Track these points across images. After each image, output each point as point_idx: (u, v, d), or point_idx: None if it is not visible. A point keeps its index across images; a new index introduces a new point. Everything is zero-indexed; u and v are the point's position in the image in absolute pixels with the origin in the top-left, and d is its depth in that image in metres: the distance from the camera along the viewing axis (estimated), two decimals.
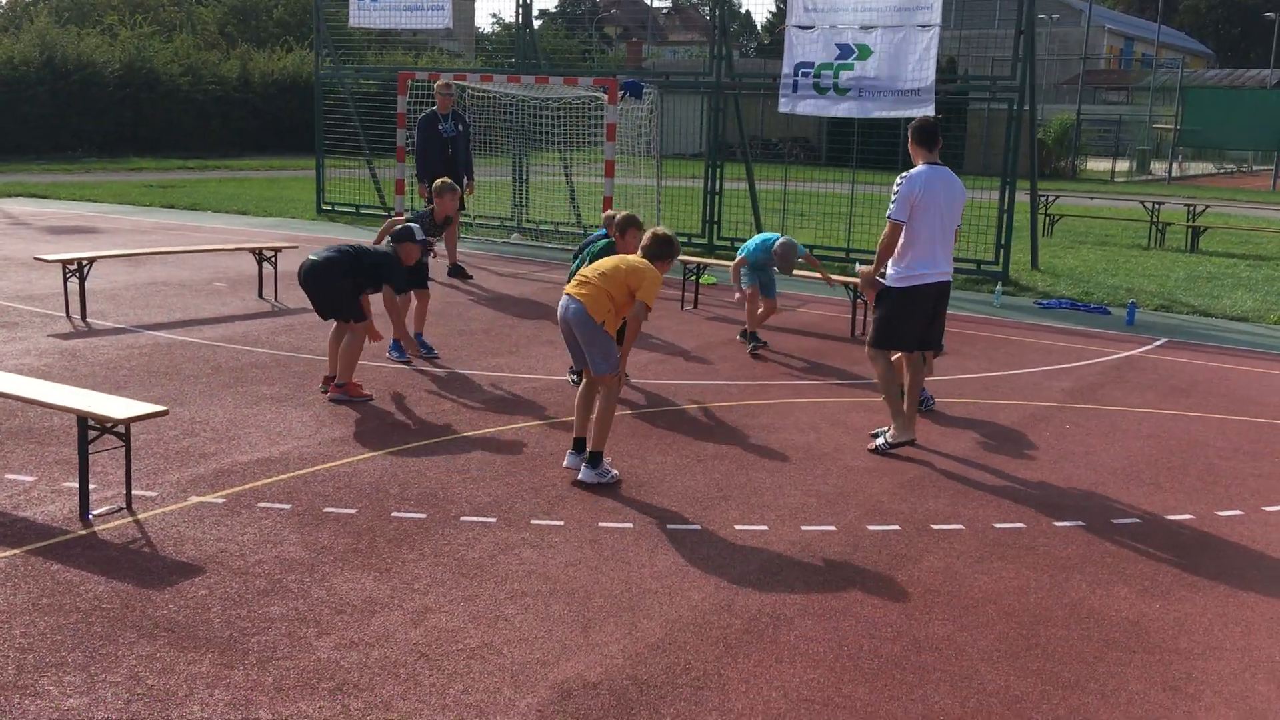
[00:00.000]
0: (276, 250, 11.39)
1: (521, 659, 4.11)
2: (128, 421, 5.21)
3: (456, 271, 12.94)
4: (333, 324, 7.59)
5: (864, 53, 14.04)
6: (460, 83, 16.07)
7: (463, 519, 5.46)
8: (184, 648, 4.07)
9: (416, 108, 15.28)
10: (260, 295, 11.15)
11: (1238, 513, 6.10)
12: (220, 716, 3.66)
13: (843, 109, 14.62)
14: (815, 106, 14.74)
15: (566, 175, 18.57)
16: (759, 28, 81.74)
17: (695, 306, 11.78)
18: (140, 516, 5.28)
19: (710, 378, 8.66)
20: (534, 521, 5.48)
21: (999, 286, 13.34)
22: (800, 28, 14.61)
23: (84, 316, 9.71)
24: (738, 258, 9.63)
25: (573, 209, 18.04)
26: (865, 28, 14.04)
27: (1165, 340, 11.03)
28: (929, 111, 13.74)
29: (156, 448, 6.27)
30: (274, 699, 3.77)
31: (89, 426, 5.22)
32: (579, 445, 6.23)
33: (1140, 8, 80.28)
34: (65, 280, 9.86)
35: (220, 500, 5.55)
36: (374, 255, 7.57)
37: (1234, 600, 4.94)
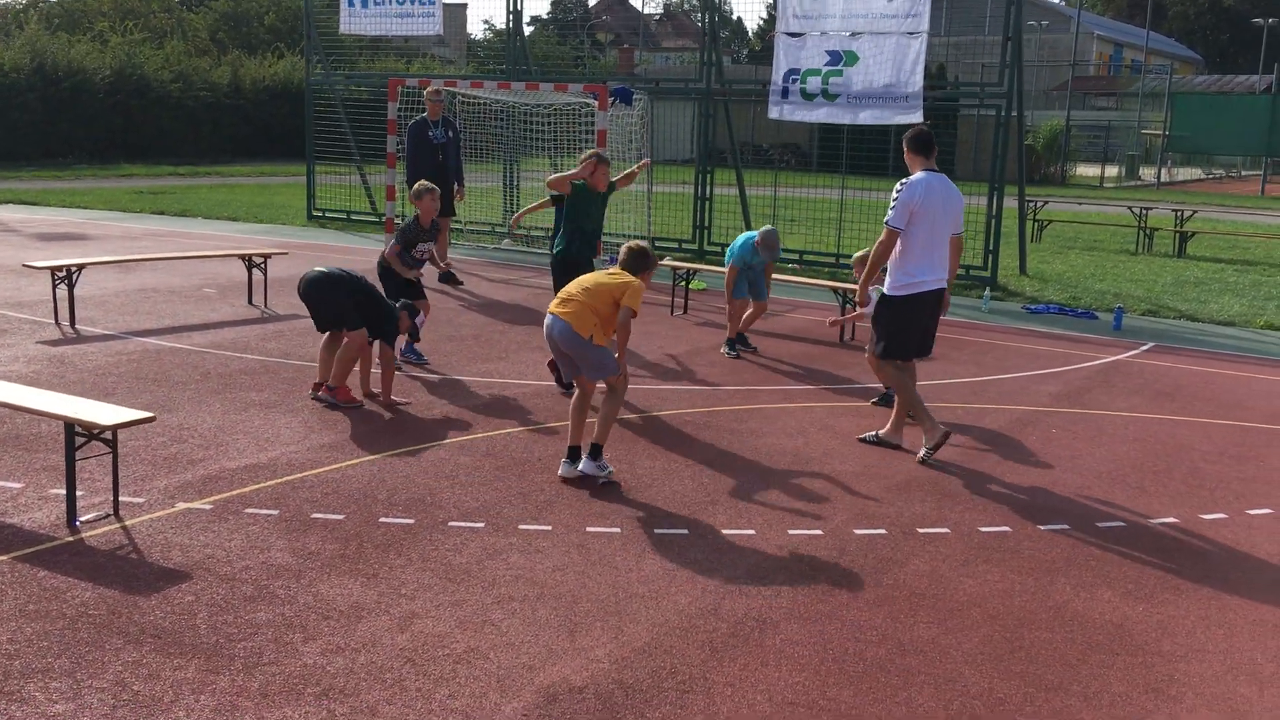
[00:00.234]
0: (266, 256, 11.39)
1: (508, 663, 4.13)
2: (115, 428, 5.22)
3: (447, 278, 12.94)
4: (325, 333, 7.63)
5: (851, 59, 14.10)
6: (451, 89, 16.10)
7: (451, 524, 5.47)
8: (170, 653, 4.08)
9: (407, 114, 15.29)
10: (250, 301, 11.15)
11: (1221, 516, 6.13)
12: None
13: (832, 115, 14.69)
14: (805, 113, 14.80)
15: None
16: (750, 34, 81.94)
17: (685, 312, 11.81)
18: (127, 523, 5.28)
19: (699, 382, 8.69)
20: (522, 526, 5.49)
21: (987, 291, 13.40)
22: (790, 35, 14.66)
23: (73, 323, 9.70)
24: (729, 267, 9.64)
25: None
26: (854, 35, 14.10)
27: (1152, 345, 11.09)
28: (918, 118, 13.81)
29: (144, 454, 6.27)
30: (260, 704, 3.78)
31: (76, 433, 5.22)
32: (573, 454, 6.26)
33: (1129, 14, 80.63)
34: (54, 287, 9.85)
35: (208, 506, 5.56)
36: (379, 301, 7.63)
37: (1217, 603, 4.98)
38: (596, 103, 14.28)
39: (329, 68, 19.78)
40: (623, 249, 6.55)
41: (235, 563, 4.90)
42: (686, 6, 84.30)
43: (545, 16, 76.93)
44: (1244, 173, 52.83)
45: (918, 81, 13.69)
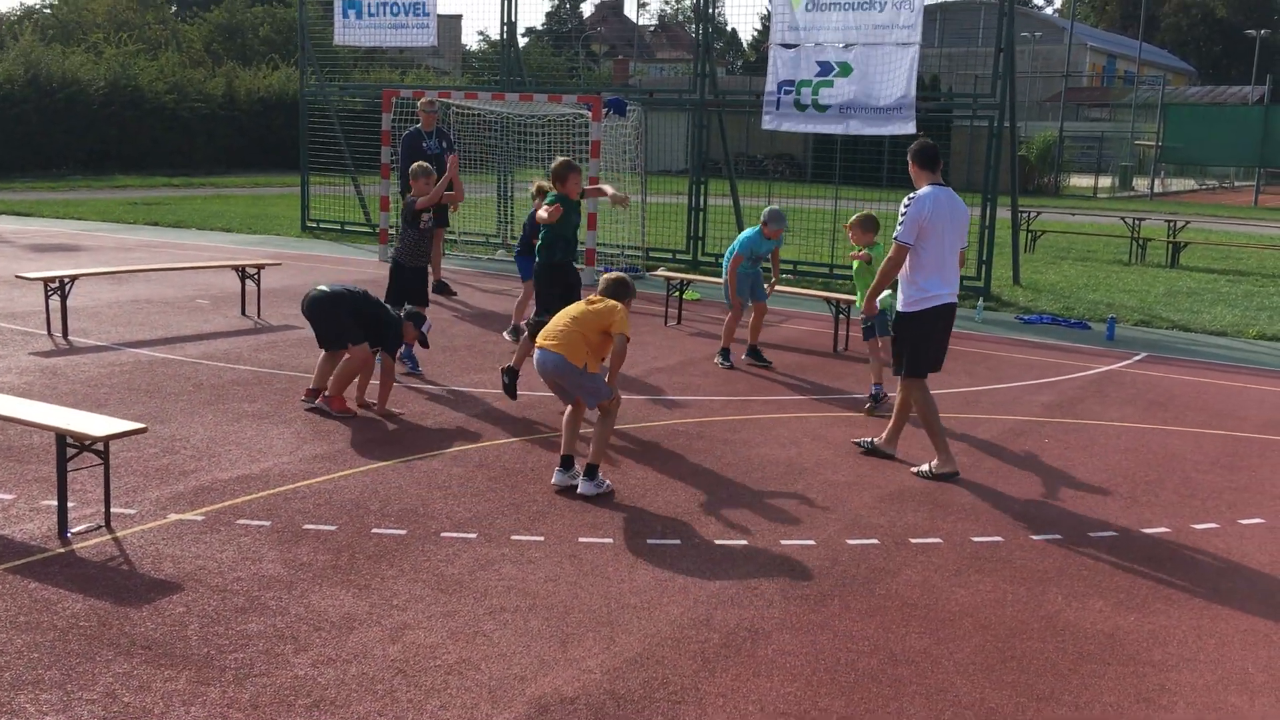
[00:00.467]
0: (259, 267, 11.39)
1: (499, 674, 4.12)
2: (106, 439, 5.22)
3: (441, 288, 12.96)
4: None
5: (845, 70, 14.15)
6: (445, 100, 16.13)
7: (443, 535, 5.47)
8: (161, 665, 4.07)
9: (401, 125, 15.32)
10: (243, 312, 11.14)
11: (1213, 526, 6.15)
12: None
13: (825, 126, 14.74)
14: (798, 124, 14.85)
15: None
16: (745, 45, 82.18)
17: (679, 323, 11.82)
18: (119, 534, 5.27)
19: (692, 393, 8.69)
20: (514, 537, 5.49)
21: (980, 302, 13.43)
22: (784, 46, 14.72)
23: (65, 334, 9.69)
24: (732, 258, 9.56)
25: None
26: (847, 46, 14.16)
27: (1145, 355, 11.11)
28: (910, 128, 13.86)
29: (136, 465, 6.26)
30: (250, 716, 3.77)
31: (68, 444, 5.22)
32: (566, 462, 6.27)
33: (1122, 25, 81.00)
34: (47, 298, 9.84)
35: (199, 517, 5.55)
36: (383, 315, 7.67)
37: (1208, 613, 4.98)
38: (590, 114, 14.31)
39: (323, 79, 19.80)
40: (603, 279, 6.58)
41: (227, 574, 4.90)
42: (681, 18, 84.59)
43: (540, 28, 77.05)
44: (1237, 183, 53.04)
45: (910, 92, 13.74)
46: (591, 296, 6.50)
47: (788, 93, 14.66)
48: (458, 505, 5.90)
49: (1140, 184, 47.00)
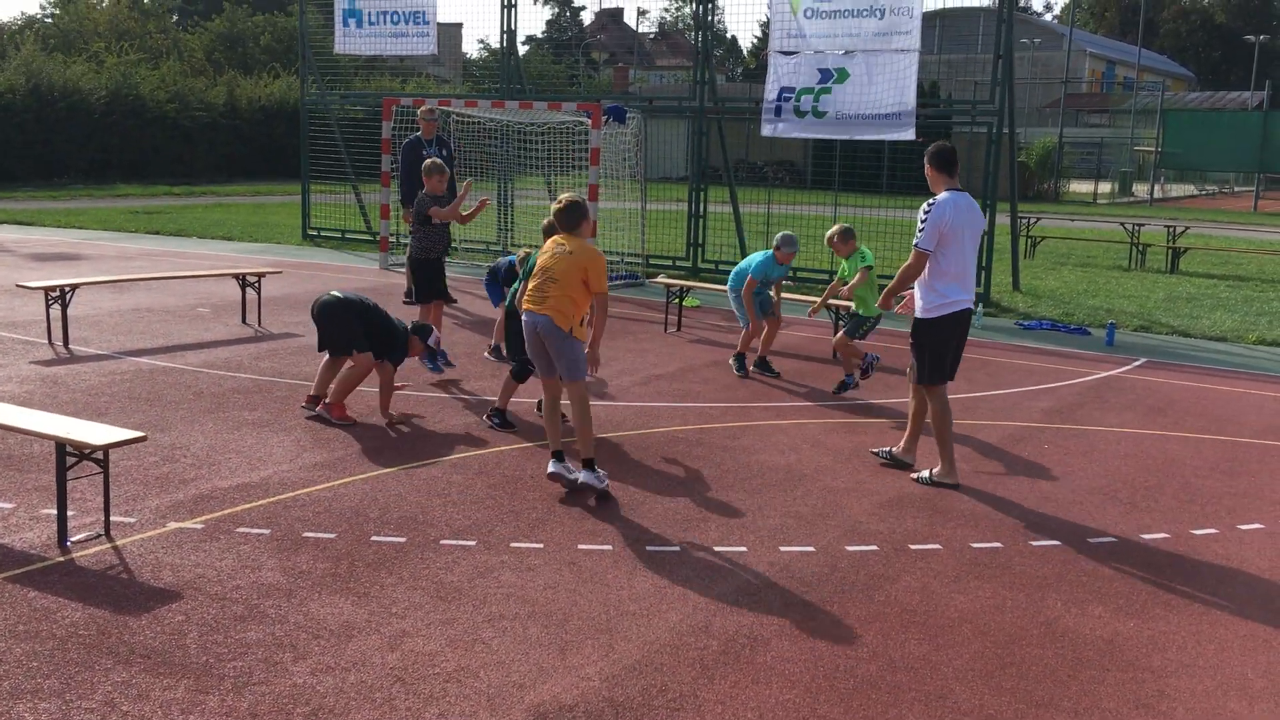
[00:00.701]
0: (260, 275, 11.40)
1: (498, 682, 4.13)
2: (106, 448, 5.22)
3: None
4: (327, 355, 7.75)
5: (843, 77, 14.18)
6: (445, 108, 16.16)
7: (442, 542, 5.47)
8: (160, 674, 4.08)
9: (402, 133, 15.35)
10: (244, 320, 11.16)
11: (1213, 531, 6.14)
12: None
13: (825, 132, 14.78)
14: (798, 130, 14.88)
15: (552, 199, 18.63)
16: (745, 53, 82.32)
17: (679, 330, 11.82)
18: (118, 543, 5.28)
19: (692, 400, 8.70)
20: (514, 544, 5.49)
21: (980, 308, 13.43)
22: (783, 53, 14.75)
23: (66, 343, 9.70)
24: (747, 280, 9.54)
25: None
26: (846, 53, 14.19)
27: (1144, 360, 11.12)
28: (910, 135, 13.90)
29: (137, 474, 6.27)
30: None
31: (67, 453, 5.22)
32: (559, 455, 6.34)
33: (1121, 31, 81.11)
34: (48, 307, 9.85)
35: (199, 526, 5.56)
36: (389, 325, 7.72)
37: (1208, 618, 4.98)
38: (590, 121, 14.34)
39: (324, 87, 19.85)
40: (555, 209, 6.51)
41: (226, 582, 4.90)
42: (681, 25, 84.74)
43: (540, 36, 77.21)
44: (1237, 188, 53.06)
45: (909, 99, 13.77)
46: (556, 238, 6.46)
47: (787, 99, 14.69)
48: (457, 513, 5.90)
49: (1140, 190, 47.04)
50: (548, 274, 6.33)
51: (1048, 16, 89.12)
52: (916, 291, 6.83)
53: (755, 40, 72.33)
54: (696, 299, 13.57)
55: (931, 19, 54.43)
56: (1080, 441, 7.93)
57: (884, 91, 13.90)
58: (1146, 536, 6.02)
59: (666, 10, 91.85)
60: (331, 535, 5.50)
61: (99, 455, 5.27)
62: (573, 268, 6.29)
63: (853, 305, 9.10)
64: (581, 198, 6.57)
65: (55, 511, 5.31)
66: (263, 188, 32.59)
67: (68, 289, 9.90)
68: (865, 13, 13.97)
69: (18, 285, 10.80)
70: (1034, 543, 5.84)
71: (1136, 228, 20.66)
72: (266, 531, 5.51)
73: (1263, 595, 5.28)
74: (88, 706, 3.84)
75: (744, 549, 5.57)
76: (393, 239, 16.47)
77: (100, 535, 5.34)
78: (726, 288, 10.18)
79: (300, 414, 7.68)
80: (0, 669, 4.07)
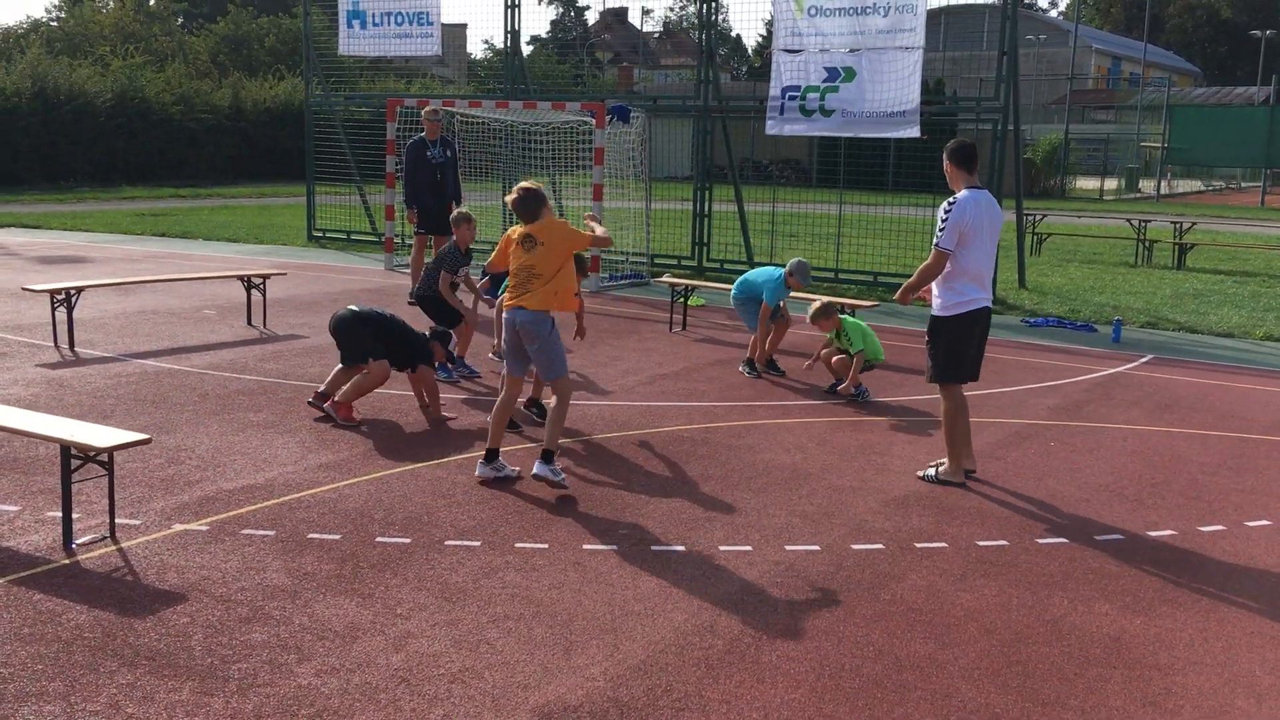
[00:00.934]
0: (265, 277, 11.41)
1: (502, 683, 4.12)
2: (110, 450, 5.23)
3: None
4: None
5: (849, 75, 14.16)
6: (449, 109, 16.16)
7: (447, 543, 5.47)
8: (164, 676, 4.08)
9: (406, 134, 15.35)
10: (249, 322, 11.17)
11: (1220, 528, 6.12)
12: None
13: (830, 130, 14.75)
14: (802, 128, 14.85)
15: (556, 199, 18.64)
16: (750, 51, 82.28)
17: (684, 329, 11.81)
18: (123, 545, 5.28)
19: (697, 399, 8.69)
20: (518, 545, 5.49)
21: None
22: (787, 51, 14.73)
23: (72, 346, 9.72)
24: (762, 308, 9.43)
25: None
26: (851, 51, 14.16)
27: (1151, 357, 11.08)
28: (915, 132, 13.87)
29: (142, 476, 6.28)
30: None
31: (72, 455, 5.23)
32: (491, 455, 6.44)
33: (1127, 27, 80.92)
34: (54, 310, 9.87)
35: (204, 528, 5.56)
36: (408, 335, 7.80)
37: (1215, 615, 4.96)
38: (594, 121, 14.33)
39: (329, 89, 19.87)
40: (512, 203, 6.36)
41: (231, 584, 4.90)
42: (685, 24, 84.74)
43: (545, 36, 77.24)
44: (1244, 184, 52.88)
45: (914, 96, 13.74)
46: (523, 232, 6.40)
47: (792, 98, 14.67)
48: (461, 513, 5.90)
49: (1146, 186, 46.90)
50: (530, 271, 6.36)
51: (1053, 13, 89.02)
52: (934, 289, 6.76)
53: (760, 39, 72.27)
54: (701, 298, 13.56)
55: (936, 16, 54.39)
56: (1087, 438, 7.91)
57: (889, 89, 13.88)
58: (1153, 534, 6.00)
59: (671, 9, 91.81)
60: (336, 536, 5.50)
61: (104, 457, 5.27)
62: (552, 256, 6.34)
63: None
64: (536, 184, 6.51)
65: (60, 514, 5.32)
66: (268, 189, 32.65)
67: (73, 292, 9.92)
68: (869, 10, 13.94)
69: (23, 288, 10.82)
70: (1040, 540, 5.82)
71: (1143, 224, 20.60)
72: (271, 533, 5.51)
73: (1270, 592, 5.26)
74: (92, 709, 3.84)
75: (749, 548, 5.56)
76: (397, 240, 16.48)
77: (105, 538, 5.34)
78: (731, 294, 10.13)
79: (305, 416, 7.68)
80: (5, 672, 4.07)
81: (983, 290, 6.68)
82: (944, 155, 6.70)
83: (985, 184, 14.23)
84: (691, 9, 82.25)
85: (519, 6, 17.62)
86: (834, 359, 8.95)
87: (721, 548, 5.55)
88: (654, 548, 5.51)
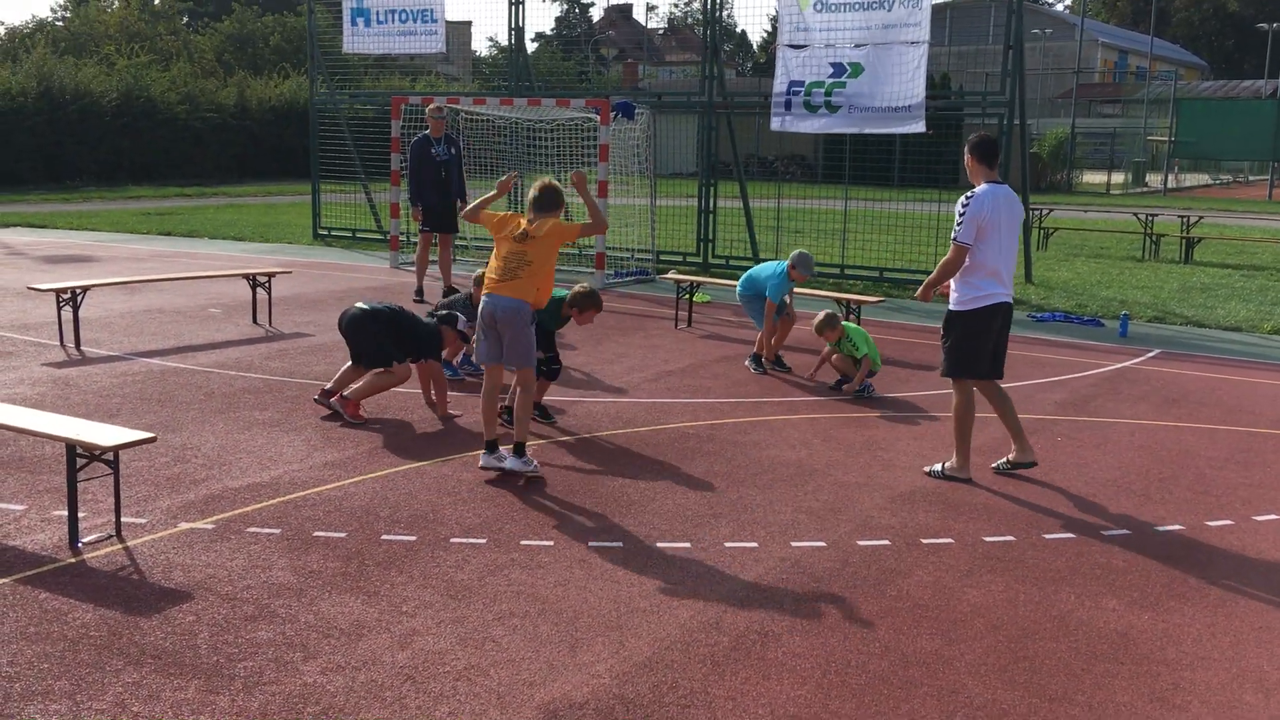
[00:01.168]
0: (270, 275, 11.42)
1: (508, 680, 4.12)
2: (116, 449, 5.23)
3: (450, 294, 12.95)
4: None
5: (856, 70, 14.12)
6: (453, 106, 16.15)
7: (452, 541, 5.47)
8: (170, 674, 4.08)
9: (411, 132, 15.35)
10: (254, 320, 11.18)
11: (1228, 522, 6.10)
12: None
13: (835, 126, 14.72)
14: (807, 124, 14.82)
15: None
16: (755, 47, 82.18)
17: (689, 325, 11.80)
18: (129, 544, 5.29)
19: (702, 395, 8.68)
20: (524, 542, 5.48)
21: None
22: (792, 47, 14.70)
23: (78, 345, 9.73)
24: (766, 304, 9.44)
25: None
26: (856, 46, 14.13)
27: (1158, 351, 11.05)
28: (920, 127, 13.84)
29: (148, 475, 6.28)
30: None
31: (78, 454, 5.23)
32: (492, 446, 6.46)
33: (1133, 21, 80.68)
34: (59, 309, 9.89)
35: (210, 526, 5.56)
36: (416, 327, 7.79)
37: (1223, 610, 4.94)
38: (599, 117, 14.32)
39: (333, 87, 19.87)
40: (537, 188, 6.52)
41: (237, 582, 4.90)
42: (690, 20, 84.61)
43: (549, 32, 77.19)
44: (1251, 178, 52.74)
45: (919, 91, 13.71)
46: (526, 220, 6.47)
47: (797, 94, 14.64)
48: (467, 511, 5.90)
49: (1153, 180, 46.79)
50: (521, 257, 6.41)
51: (1059, 7, 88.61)
52: (953, 284, 6.71)
53: (764, 34, 72.18)
54: (707, 294, 13.54)
55: (941, 10, 54.28)
56: (1094, 433, 7.88)
57: (894, 84, 13.84)
58: (1161, 528, 5.98)
59: (676, 5, 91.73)
60: (342, 534, 5.50)
61: (109, 456, 5.27)
62: (547, 248, 6.45)
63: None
64: (559, 185, 6.64)
65: (66, 513, 5.32)
66: (273, 188, 32.68)
67: (79, 291, 9.93)
68: (874, 5, 13.91)
69: (29, 288, 10.84)
70: (1047, 536, 5.80)
71: (1150, 218, 20.54)
72: (277, 531, 5.51)
73: (1278, 587, 5.23)
74: (98, 708, 3.84)
75: (755, 544, 5.55)
76: (403, 237, 16.48)
77: (111, 536, 5.35)
78: (736, 291, 10.10)
79: (311, 414, 7.68)
80: (12, 670, 4.08)
81: (1001, 286, 6.62)
82: (965, 149, 6.67)
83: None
84: (696, 5, 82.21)
85: (523, 3, 17.62)
86: (835, 355, 8.95)
87: (727, 544, 5.54)
88: (659, 544, 5.50)
